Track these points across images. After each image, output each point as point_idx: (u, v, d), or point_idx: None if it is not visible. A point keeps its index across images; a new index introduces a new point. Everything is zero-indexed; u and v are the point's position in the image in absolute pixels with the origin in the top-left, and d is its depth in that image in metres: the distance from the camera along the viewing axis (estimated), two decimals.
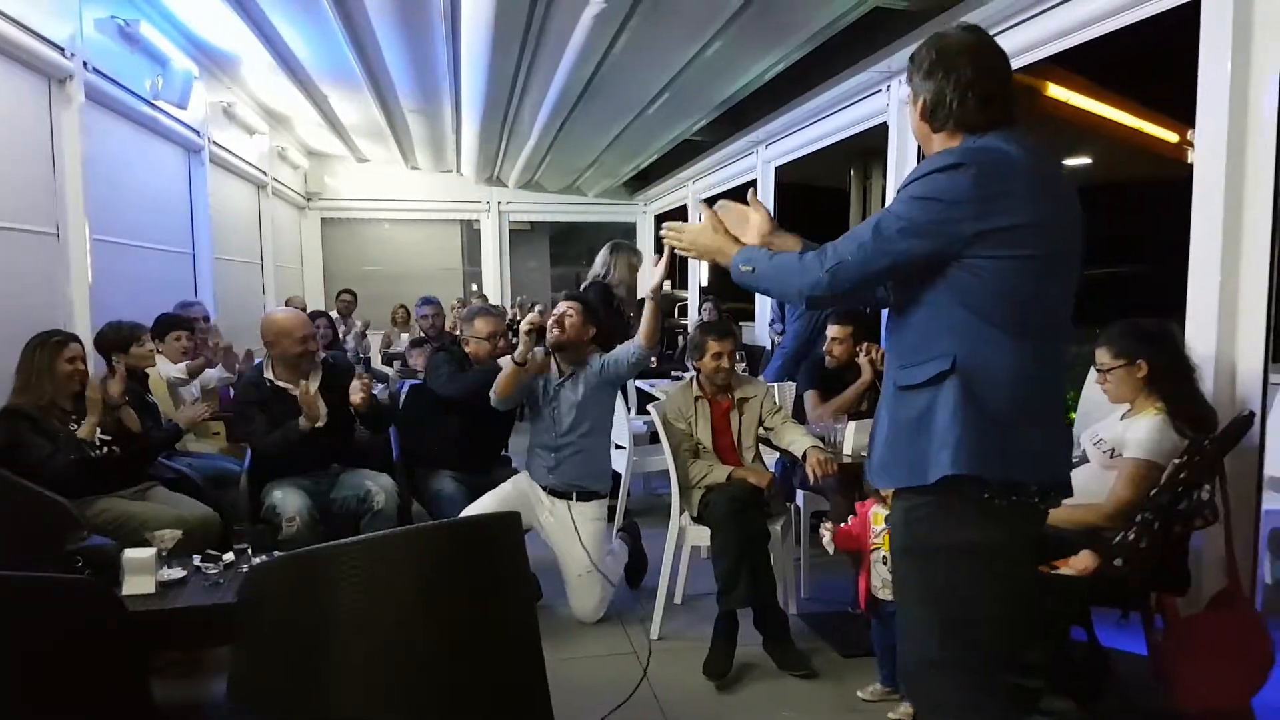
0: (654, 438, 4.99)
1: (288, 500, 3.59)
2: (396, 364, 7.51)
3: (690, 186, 9.95)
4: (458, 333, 4.93)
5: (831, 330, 4.30)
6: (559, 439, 3.88)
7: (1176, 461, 2.70)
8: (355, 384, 3.82)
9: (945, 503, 1.81)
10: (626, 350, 3.83)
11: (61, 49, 4.27)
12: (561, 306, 3.95)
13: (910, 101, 1.95)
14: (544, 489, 3.92)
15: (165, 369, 4.57)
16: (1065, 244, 1.84)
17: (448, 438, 4.16)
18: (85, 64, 4.50)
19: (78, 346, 3.53)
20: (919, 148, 5.01)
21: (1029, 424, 1.80)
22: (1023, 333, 1.79)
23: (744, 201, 2.16)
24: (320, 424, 3.73)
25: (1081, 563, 2.67)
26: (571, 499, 3.87)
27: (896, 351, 1.94)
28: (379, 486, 3.77)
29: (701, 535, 3.58)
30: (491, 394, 3.85)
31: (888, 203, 5.60)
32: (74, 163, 4.40)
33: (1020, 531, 1.86)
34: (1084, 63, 4.00)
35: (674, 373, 6.18)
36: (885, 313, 2.04)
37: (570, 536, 3.82)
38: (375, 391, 5.43)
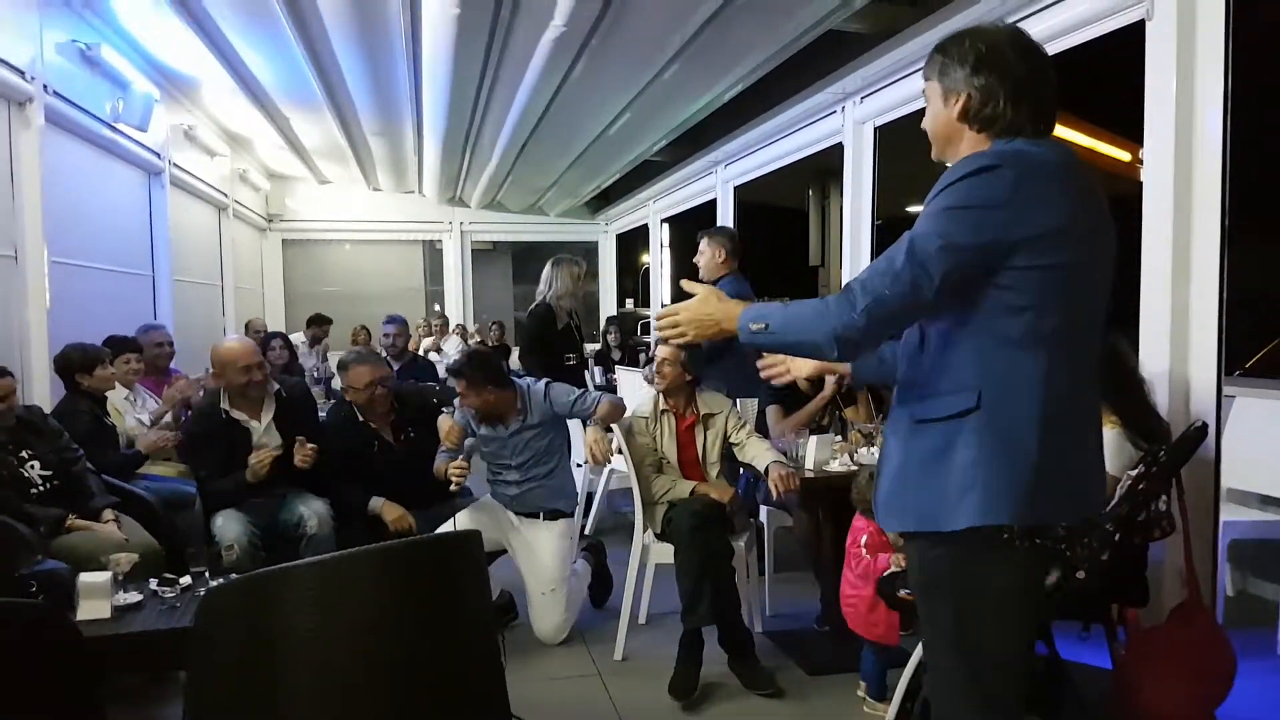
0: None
1: (227, 528, 3.58)
2: None
3: (651, 206, 10.03)
4: (423, 353, 4.85)
5: None
6: (521, 475, 3.88)
7: (1132, 473, 2.74)
8: (298, 448, 3.73)
9: (963, 547, 1.69)
10: (573, 404, 3.80)
11: (22, 72, 4.25)
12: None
13: (939, 97, 1.79)
14: (513, 512, 3.92)
15: (126, 410, 4.51)
16: (1100, 252, 1.72)
17: (380, 462, 4.00)
18: (45, 87, 4.48)
19: (7, 381, 3.38)
20: (874, 163, 5.19)
21: (1061, 462, 1.67)
22: (1056, 357, 1.64)
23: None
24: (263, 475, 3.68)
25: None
26: (538, 518, 3.87)
27: (912, 379, 1.78)
28: (311, 511, 3.74)
29: (665, 552, 3.58)
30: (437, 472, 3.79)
31: (848, 221, 5.62)
32: (33, 185, 4.36)
33: (1039, 574, 1.78)
34: None
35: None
36: (903, 339, 1.87)
37: (535, 555, 3.81)
38: None
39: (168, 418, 4.52)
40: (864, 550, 3.02)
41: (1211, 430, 2.91)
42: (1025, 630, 1.81)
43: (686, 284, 1.88)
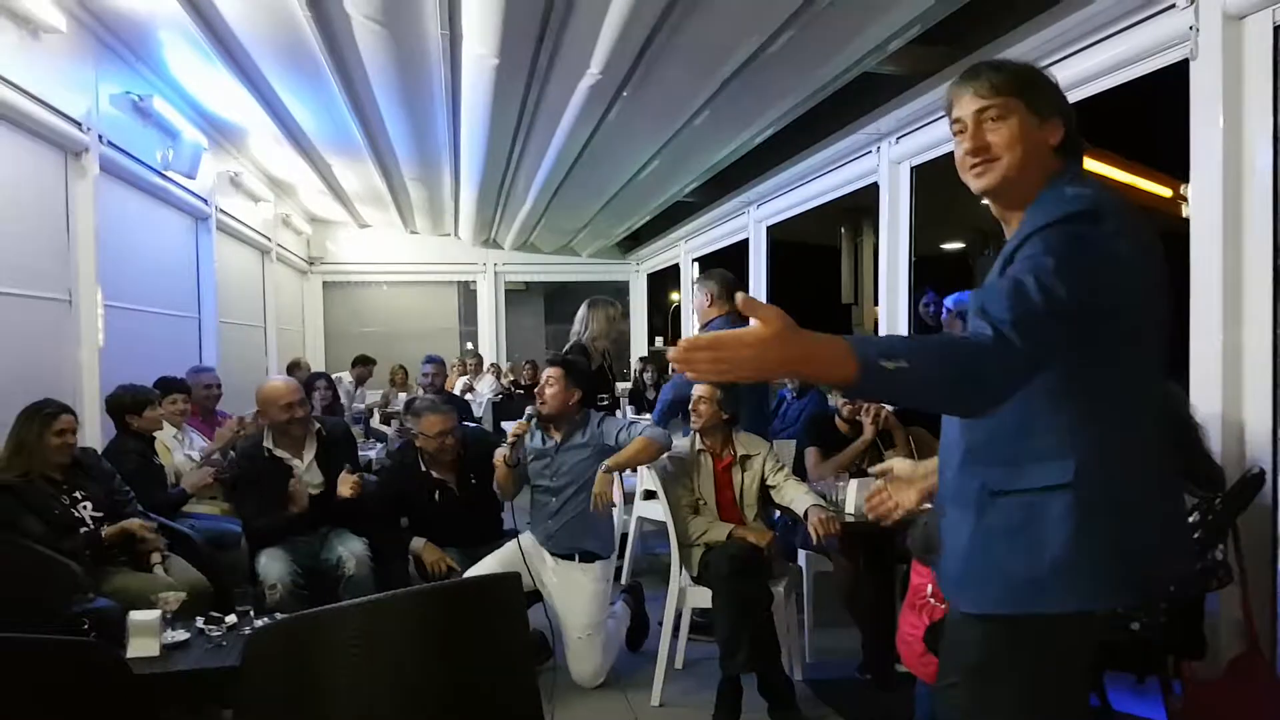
0: (648, 493, 4.99)
1: (271, 567, 3.63)
2: (394, 423, 7.54)
3: (683, 245, 10.09)
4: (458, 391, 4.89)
5: None
6: (558, 503, 3.86)
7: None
8: (344, 477, 3.85)
9: (1046, 635, 1.56)
10: (619, 433, 3.81)
11: (78, 123, 4.40)
12: (545, 374, 3.95)
13: (1027, 117, 1.64)
14: (547, 550, 3.93)
15: (174, 449, 4.62)
16: (1166, 309, 1.61)
17: (434, 508, 4.05)
18: (100, 137, 4.64)
19: (69, 418, 3.48)
20: (911, 202, 5.20)
21: (1152, 536, 1.58)
22: (1141, 423, 1.57)
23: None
24: (303, 509, 3.79)
25: None
26: (574, 560, 3.87)
27: (987, 444, 1.61)
28: (350, 553, 3.78)
29: (702, 596, 3.56)
30: (495, 489, 3.92)
31: (884, 260, 5.59)
32: (87, 231, 4.51)
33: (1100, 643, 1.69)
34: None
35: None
36: None
37: (571, 598, 3.81)
38: (372, 454, 5.48)
39: (216, 455, 4.62)
40: (933, 600, 2.96)
41: (1269, 476, 2.83)
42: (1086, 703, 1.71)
43: (744, 300, 1.37)
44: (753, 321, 1.33)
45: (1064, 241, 1.47)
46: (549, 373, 3.92)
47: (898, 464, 1.95)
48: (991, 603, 1.59)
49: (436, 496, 4.02)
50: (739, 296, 1.40)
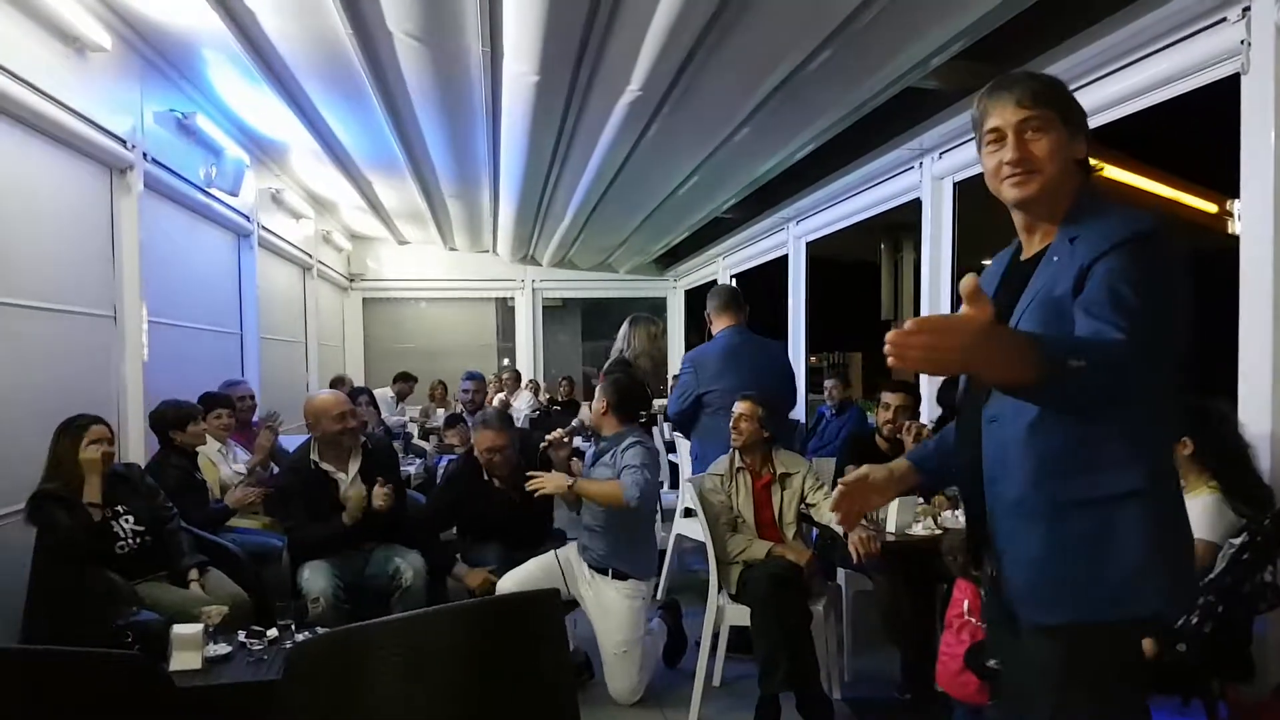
0: (687, 511, 4.98)
1: (314, 581, 3.65)
2: (433, 439, 7.59)
3: (721, 262, 10.07)
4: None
5: (887, 397, 4.26)
6: (591, 518, 3.86)
7: (1235, 542, 2.63)
8: (378, 490, 3.87)
9: (1121, 640, 1.63)
10: (622, 469, 3.74)
11: (123, 141, 4.47)
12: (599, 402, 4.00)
13: (1065, 134, 1.69)
14: (585, 560, 3.91)
15: (219, 463, 4.69)
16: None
17: (491, 514, 4.17)
18: (145, 155, 4.71)
19: (101, 428, 3.44)
20: (954, 218, 5.15)
21: (1192, 543, 1.70)
22: (1172, 439, 1.71)
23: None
24: (355, 519, 3.83)
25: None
26: (608, 575, 3.85)
27: (1058, 454, 1.61)
28: (407, 564, 3.82)
29: (740, 614, 3.54)
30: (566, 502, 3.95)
31: (926, 276, 5.57)
32: (132, 248, 4.57)
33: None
34: (1116, 136, 4.03)
35: None
36: (997, 406, 1.69)
37: (607, 614, 3.79)
38: (411, 469, 5.51)
39: (258, 469, 4.68)
40: (972, 618, 2.92)
41: None
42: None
43: (970, 283, 1.34)
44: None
45: (1147, 258, 1.51)
46: (603, 403, 3.98)
47: (872, 469, 1.97)
48: (1069, 613, 1.60)
49: (495, 503, 4.10)
50: (965, 280, 1.33)
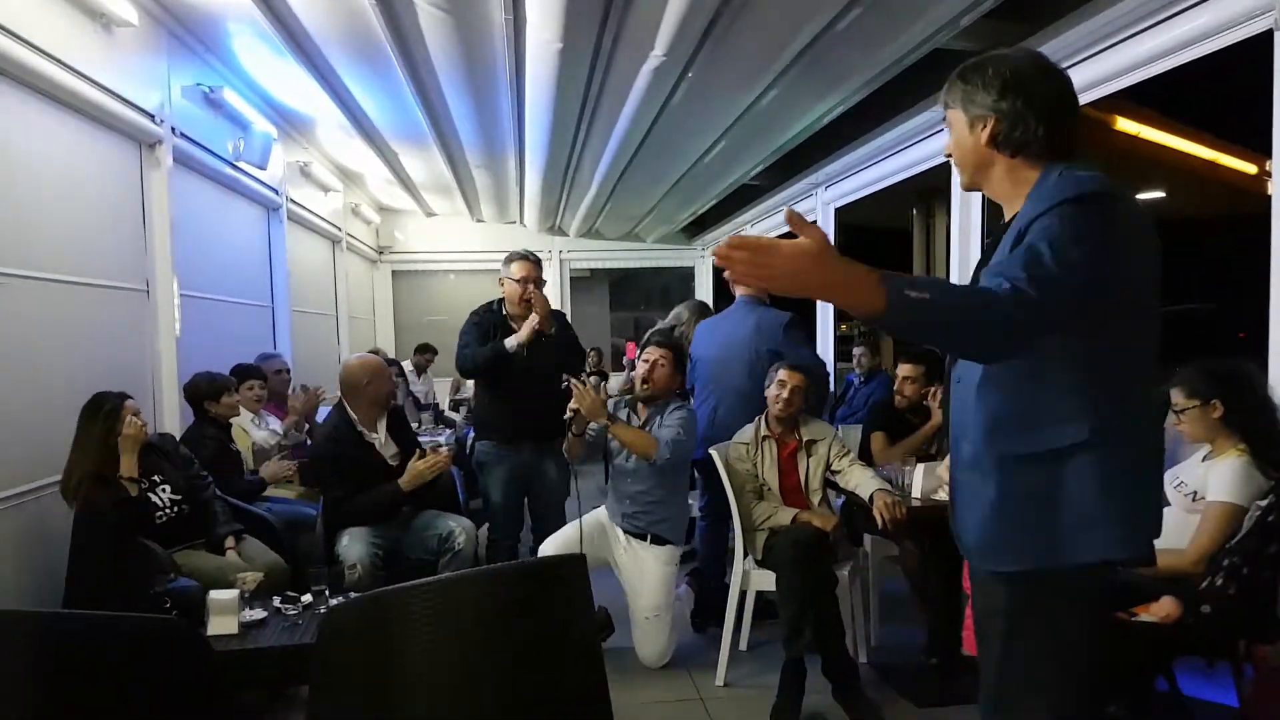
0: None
1: (352, 548, 3.69)
2: (463, 409, 7.66)
3: (749, 230, 10.01)
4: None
5: (903, 369, 4.26)
6: (635, 484, 3.88)
7: (1262, 504, 2.63)
8: (434, 456, 3.89)
9: (1069, 585, 1.68)
10: (663, 428, 3.80)
11: (152, 116, 4.51)
12: (653, 354, 3.91)
13: (963, 124, 1.77)
14: (620, 528, 3.94)
15: (252, 430, 4.77)
16: (1157, 285, 1.71)
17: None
18: (173, 129, 4.74)
19: (131, 403, 3.47)
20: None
21: (1152, 491, 1.72)
22: (1142, 391, 1.69)
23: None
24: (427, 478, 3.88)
25: (1163, 610, 2.61)
26: (645, 540, 3.88)
27: (1008, 411, 1.70)
28: (461, 528, 3.86)
29: (766, 580, 3.56)
30: (565, 453, 3.95)
31: (955, 240, 5.53)
32: (162, 223, 4.61)
33: (1110, 600, 1.79)
34: (1153, 95, 3.95)
35: None
36: (961, 367, 1.80)
37: (640, 578, 3.83)
38: (441, 439, 5.58)
39: (292, 431, 4.78)
40: None
41: None
42: (1097, 649, 1.75)
43: (790, 215, 1.49)
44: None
45: (1079, 215, 1.56)
46: (659, 354, 3.90)
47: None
48: (1030, 559, 1.69)
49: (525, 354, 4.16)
50: (786, 210, 1.52)
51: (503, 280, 4.35)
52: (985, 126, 1.74)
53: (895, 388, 4.28)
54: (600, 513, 4.02)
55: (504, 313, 4.34)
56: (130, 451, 3.38)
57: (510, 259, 4.37)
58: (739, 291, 4.59)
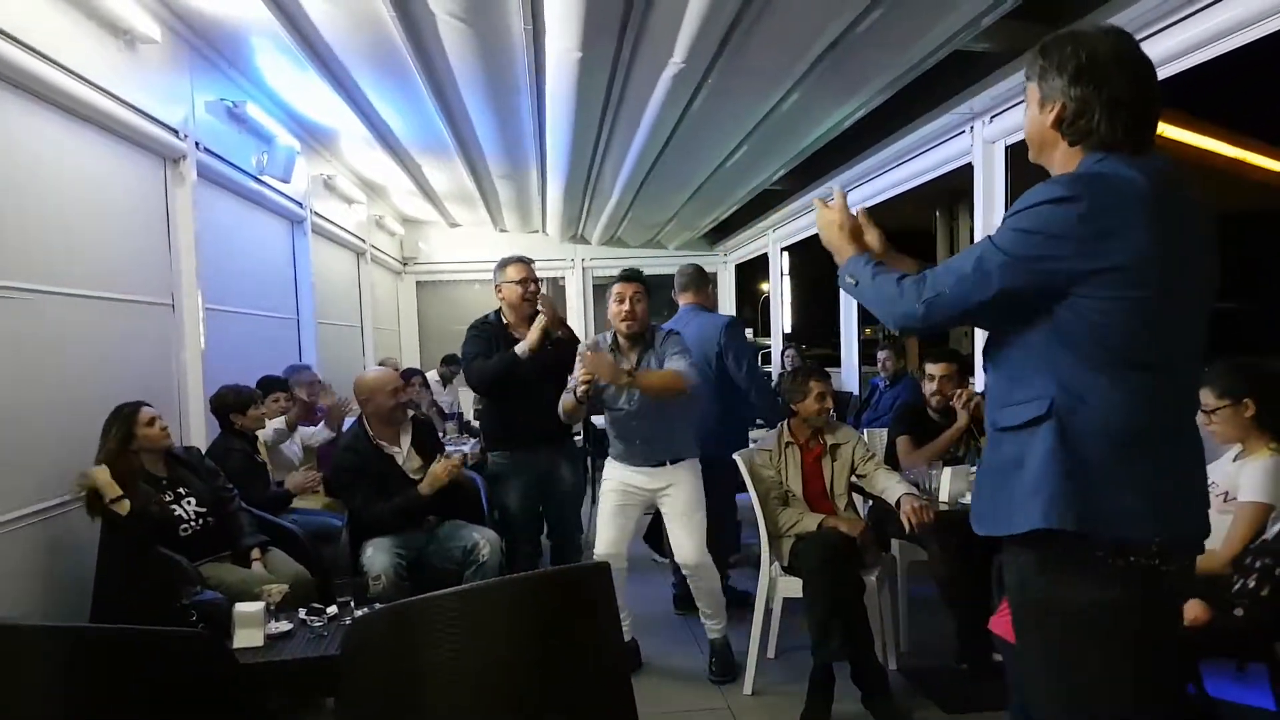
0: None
1: (376, 558, 3.69)
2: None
3: (771, 235, 9.97)
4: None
5: (930, 368, 4.21)
6: (640, 424, 3.80)
7: None
8: (444, 462, 3.90)
9: (1052, 560, 1.68)
10: (668, 356, 3.75)
11: (176, 131, 4.56)
12: (627, 290, 3.82)
13: (1036, 101, 1.77)
14: (639, 469, 3.86)
15: (272, 438, 4.80)
16: (1187, 279, 1.67)
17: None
18: (197, 144, 4.80)
19: (148, 410, 3.51)
20: (1006, 183, 5.03)
21: (1138, 476, 1.63)
22: (1130, 376, 1.63)
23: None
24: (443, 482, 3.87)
25: (1191, 613, 2.56)
26: (666, 465, 3.82)
27: (994, 390, 1.82)
28: (485, 539, 3.85)
29: (793, 586, 3.53)
30: (561, 413, 3.83)
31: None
32: (187, 237, 4.66)
33: (1140, 596, 1.64)
34: (1177, 93, 3.89)
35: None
36: (982, 349, 1.92)
37: (681, 490, 3.80)
38: (465, 448, 5.58)
39: (298, 443, 4.86)
40: None
41: None
42: (1142, 656, 1.67)
43: (834, 199, 2.14)
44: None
45: (1019, 220, 1.67)
46: (632, 289, 3.83)
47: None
48: (989, 524, 1.79)
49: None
50: (836, 190, 1.98)
51: (499, 287, 4.29)
52: (1052, 109, 1.73)
53: (934, 389, 4.17)
54: (614, 482, 3.90)
55: (503, 322, 4.29)
56: (157, 452, 3.42)
57: (504, 264, 4.32)
58: (682, 300, 4.84)
